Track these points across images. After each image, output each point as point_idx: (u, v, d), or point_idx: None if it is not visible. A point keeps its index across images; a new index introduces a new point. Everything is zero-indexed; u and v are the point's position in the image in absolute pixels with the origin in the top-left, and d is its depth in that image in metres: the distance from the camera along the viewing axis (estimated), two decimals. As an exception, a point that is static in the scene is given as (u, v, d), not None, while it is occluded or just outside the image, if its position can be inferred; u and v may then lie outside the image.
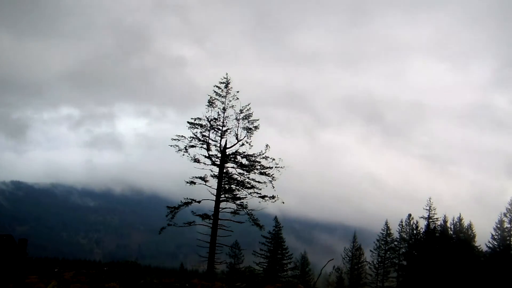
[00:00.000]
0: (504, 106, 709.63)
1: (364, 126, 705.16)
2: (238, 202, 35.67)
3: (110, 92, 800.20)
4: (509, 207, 65.71)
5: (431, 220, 69.46)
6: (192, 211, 35.09)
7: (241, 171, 36.02)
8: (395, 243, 74.31)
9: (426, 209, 69.53)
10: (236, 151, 36.01)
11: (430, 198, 70.33)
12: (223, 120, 35.90)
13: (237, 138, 35.78)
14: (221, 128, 36.04)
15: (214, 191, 35.55)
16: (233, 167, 36.31)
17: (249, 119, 35.69)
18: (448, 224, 69.93)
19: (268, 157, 35.33)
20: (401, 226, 73.89)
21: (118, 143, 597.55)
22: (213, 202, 35.57)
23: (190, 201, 34.66)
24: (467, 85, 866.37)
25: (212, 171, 35.84)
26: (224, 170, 36.04)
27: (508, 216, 65.81)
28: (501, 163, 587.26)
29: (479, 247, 69.69)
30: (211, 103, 35.71)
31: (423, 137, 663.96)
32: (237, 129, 35.75)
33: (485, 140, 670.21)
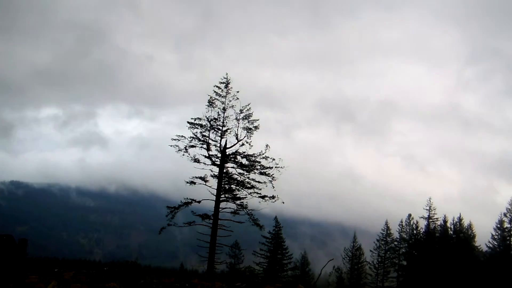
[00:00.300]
0: (471, 106, 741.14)
1: (338, 125, 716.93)
2: (238, 202, 35.68)
3: (84, 90, 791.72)
4: (509, 207, 65.71)
5: (431, 220, 69.48)
6: (192, 211, 35.09)
7: (241, 171, 36.07)
8: (395, 243, 74.31)
9: (426, 209, 69.60)
10: (236, 151, 36.03)
11: (430, 198, 70.45)
12: (223, 120, 35.97)
13: (237, 138, 35.84)
14: (221, 128, 36.06)
15: (214, 191, 35.56)
16: (233, 167, 36.37)
17: (249, 119, 35.74)
18: (448, 224, 69.95)
19: (268, 157, 35.41)
20: (401, 226, 73.91)
21: (104, 141, 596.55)
22: (213, 202, 35.57)
23: (190, 201, 34.69)
24: (436, 86, 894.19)
25: (212, 171, 35.91)
26: (224, 170, 36.04)
27: (508, 216, 65.81)
28: (478, 162, 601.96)
29: (479, 247, 69.76)
30: (211, 103, 35.73)
31: (398, 136, 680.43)
32: (237, 129, 35.85)
33: (457, 140, 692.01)
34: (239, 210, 35.43)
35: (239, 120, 35.75)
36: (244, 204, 35.49)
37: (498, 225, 66.32)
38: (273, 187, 35.09)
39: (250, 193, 35.52)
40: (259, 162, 35.54)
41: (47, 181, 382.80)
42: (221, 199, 35.63)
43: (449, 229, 69.79)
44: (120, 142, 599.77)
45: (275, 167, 35.09)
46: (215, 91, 35.80)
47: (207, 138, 35.89)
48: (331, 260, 41.92)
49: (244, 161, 35.98)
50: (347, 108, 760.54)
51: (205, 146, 35.76)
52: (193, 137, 35.59)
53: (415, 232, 72.29)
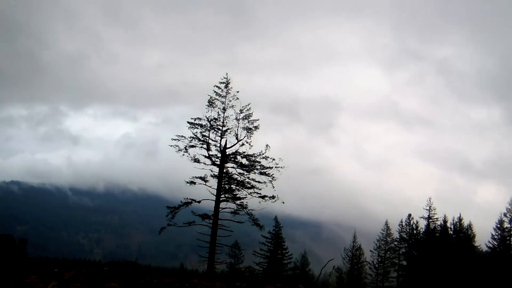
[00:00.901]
0: (409, 106, 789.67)
1: (288, 125, 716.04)
2: (238, 202, 35.67)
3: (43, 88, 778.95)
4: (509, 207, 65.72)
5: (431, 220, 69.46)
6: (192, 211, 35.07)
7: (241, 171, 36.05)
8: (395, 243, 74.33)
9: (426, 209, 69.59)
10: (236, 151, 36.02)
11: (430, 198, 70.45)
12: (223, 120, 35.96)
13: (237, 138, 35.83)
14: (221, 128, 36.06)
15: (214, 191, 35.55)
16: (233, 167, 36.36)
17: (249, 119, 35.74)
18: (448, 224, 69.95)
19: (268, 157, 35.41)
20: (401, 226, 73.93)
21: (76, 140, 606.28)
22: (213, 202, 35.57)
23: (190, 201, 34.67)
24: (375, 88, 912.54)
25: (212, 171, 35.90)
26: (224, 170, 36.03)
27: (508, 216, 65.83)
28: (433, 159, 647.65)
29: (479, 247, 69.77)
30: (211, 103, 35.72)
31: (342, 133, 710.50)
32: (237, 129, 35.84)
33: (400, 138, 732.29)
34: (239, 210, 35.42)
35: (239, 120, 35.79)
36: (244, 204, 35.50)
37: (498, 225, 66.33)
38: (273, 187, 35.15)
39: (250, 193, 35.53)
40: (259, 162, 35.56)
41: (46, 181, 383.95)
42: (221, 199, 35.61)
43: (449, 229, 69.78)
44: (103, 141, 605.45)
45: (275, 167, 35.13)
46: (215, 91, 35.82)
47: (207, 138, 35.90)
48: (331, 260, 41.88)
49: (244, 161, 36.00)
50: (295, 108, 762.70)
51: (205, 146, 35.75)
52: (193, 137, 35.61)
53: (415, 232, 72.30)
